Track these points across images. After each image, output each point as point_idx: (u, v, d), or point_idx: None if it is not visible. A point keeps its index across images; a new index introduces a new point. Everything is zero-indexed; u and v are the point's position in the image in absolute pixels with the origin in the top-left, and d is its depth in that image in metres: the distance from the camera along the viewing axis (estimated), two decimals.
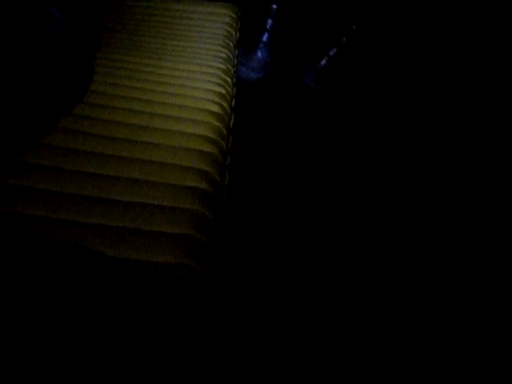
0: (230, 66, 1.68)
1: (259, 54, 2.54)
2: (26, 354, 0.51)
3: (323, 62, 2.49)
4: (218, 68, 1.58)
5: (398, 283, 1.51)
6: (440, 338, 1.36)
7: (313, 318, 1.37)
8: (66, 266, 0.62)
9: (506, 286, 1.53)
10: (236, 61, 1.89)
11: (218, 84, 1.47)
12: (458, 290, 1.51)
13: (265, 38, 2.54)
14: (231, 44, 1.89)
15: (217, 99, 1.38)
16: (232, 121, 1.48)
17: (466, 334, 1.38)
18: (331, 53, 2.48)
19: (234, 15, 2.06)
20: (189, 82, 1.43)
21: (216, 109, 1.33)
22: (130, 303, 0.61)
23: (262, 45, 2.54)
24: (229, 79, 1.58)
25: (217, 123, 1.27)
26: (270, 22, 2.53)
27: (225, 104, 1.40)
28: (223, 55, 1.71)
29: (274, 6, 2.51)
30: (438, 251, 1.65)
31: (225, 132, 1.30)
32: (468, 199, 1.89)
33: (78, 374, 0.51)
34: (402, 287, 1.50)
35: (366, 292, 1.47)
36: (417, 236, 1.71)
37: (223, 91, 1.45)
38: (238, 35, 2.05)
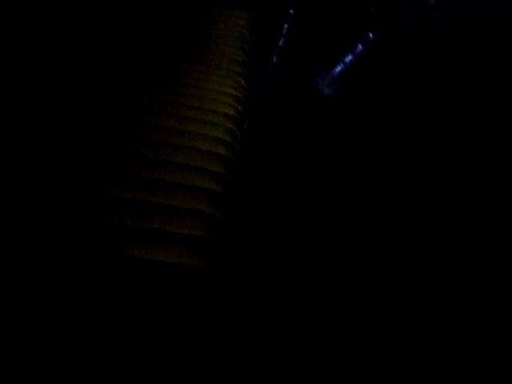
0: (245, 70, 1.68)
1: (274, 58, 2.54)
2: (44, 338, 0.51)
3: (338, 68, 2.49)
4: (234, 71, 1.58)
5: (398, 283, 1.51)
6: (440, 338, 1.36)
7: (319, 320, 1.37)
8: (83, 262, 0.62)
9: (506, 286, 1.52)
10: (251, 64, 1.88)
11: (233, 87, 1.47)
12: (458, 290, 1.50)
13: (281, 42, 2.55)
14: (247, 47, 1.89)
15: (232, 102, 1.38)
16: (246, 124, 1.48)
17: (466, 334, 1.37)
18: (347, 59, 2.48)
19: (250, 19, 2.06)
20: (204, 84, 1.43)
21: (231, 111, 1.33)
22: (142, 301, 0.61)
23: (277, 49, 2.55)
24: (244, 82, 1.58)
25: (231, 126, 1.27)
26: (286, 26, 2.54)
27: (239, 107, 1.40)
28: (239, 58, 1.70)
29: (291, 11, 2.52)
30: (438, 251, 1.64)
31: (239, 135, 1.30)
32: (468, 200, 1.88)
33: (90, 365, 0.51)
34: (402, 287, 1.50)
35: (373, 295, 1.47)
36: (417, 236, 1.70)
37: (238, 94, 1.45)
38: (253, 39, 2.05)
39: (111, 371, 0.52)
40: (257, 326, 1.30)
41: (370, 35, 2.43)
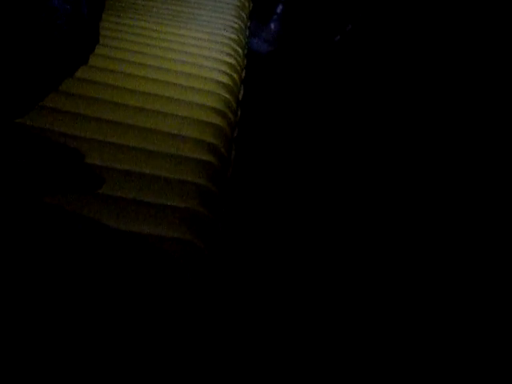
0: (241, 37, 1.63)
1: (272, 25, 2.48)
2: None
3: (337, 37, 2.43)
4: (230, 38, 1.53)
5: (398, 283, 1.48)
6: (440, 338, 1.34)
7: (313, 312, 1.34)
8: (66, 235, 0.59)
9: (506, 286, 1.50)
10: (248, 32, 1.84)
11: (229, 54, 1.42)
12: (458, 290, 1.48)
13: (278, 9, 2.48)
14: (244, 14, 1.84)
15: (227, 70, 1.33)
16: (241, 93, 1.44)
17: (466, 334, 1.36)
18: (346, 28, 2.41)
19: None
20: (199, 51, 1.38)
21: (226, 80, 1.29)
22: (129, 277, 0.58)
23: (275, 16, 2.48)
24: (240, 50, 1.53)
25: (226, 95, 1.23)
26: None
27: (235, 75, 1.36)
28: (235, 25, 1.65)
29: None
30: (438, 251, 1.61)
31: (234, 104, 1.26)
32: (468, 199, 1.84)
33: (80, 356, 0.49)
34: (402, 287, 1.47)
35: (366, 291, 1.44)
36: (417, 236, 1.67)
37: (234, 62, 1.41)
38: (251, 6, 2.00)
39: (89, 358, 0.49)
40: (249, 307, 1.28)
41: None
